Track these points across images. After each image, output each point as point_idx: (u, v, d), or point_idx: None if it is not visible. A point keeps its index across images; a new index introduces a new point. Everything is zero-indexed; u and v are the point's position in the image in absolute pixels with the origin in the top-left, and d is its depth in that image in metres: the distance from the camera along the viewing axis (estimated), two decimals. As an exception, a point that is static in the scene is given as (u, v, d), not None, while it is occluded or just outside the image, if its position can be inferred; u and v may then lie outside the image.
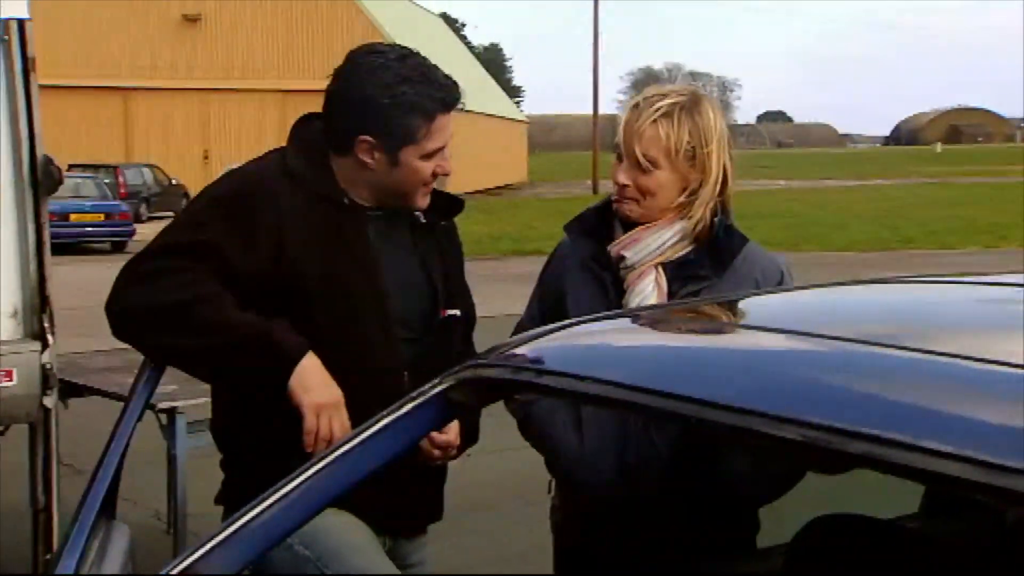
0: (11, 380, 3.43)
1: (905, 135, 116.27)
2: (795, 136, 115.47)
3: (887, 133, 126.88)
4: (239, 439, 2.12)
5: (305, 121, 2.18)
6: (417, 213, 2.18)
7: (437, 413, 1.46)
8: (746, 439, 1.11)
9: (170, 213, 28.42)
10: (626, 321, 1.65)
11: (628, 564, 2.02)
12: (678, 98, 2.06)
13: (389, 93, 2.02)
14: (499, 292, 8.86)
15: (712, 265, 2.07)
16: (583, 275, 2.12)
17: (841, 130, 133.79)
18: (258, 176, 2.08)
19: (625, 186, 2.08)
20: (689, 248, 2.09)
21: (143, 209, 26.33)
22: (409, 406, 1.44)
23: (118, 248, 20.67)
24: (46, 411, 3.50)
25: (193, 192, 26.06)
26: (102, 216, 20.60)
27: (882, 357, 1.16)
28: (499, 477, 5.33)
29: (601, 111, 44.65)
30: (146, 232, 22.65)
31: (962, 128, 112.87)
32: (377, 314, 2.07)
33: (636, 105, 2.09)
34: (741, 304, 1.66)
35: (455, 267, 2.24)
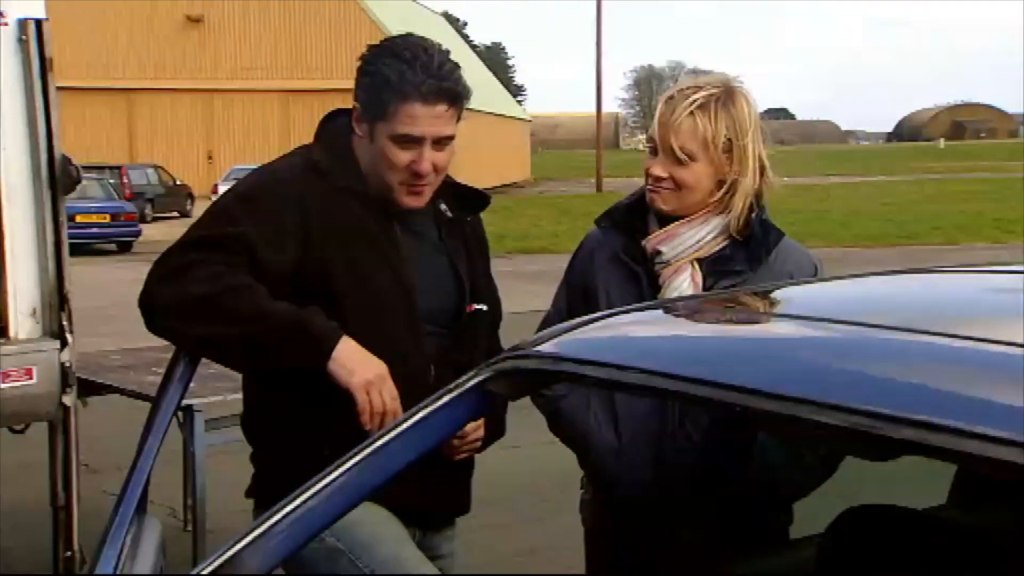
0: (31, 378, 3.44)
1: (908, 131, 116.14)
2: (798, 133, 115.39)
3: (890, 130, 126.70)
4: (269, 433, 2.13)
5: (332, 117, 2.19)
6: (443, 208, 2.18)
7: (475, 404, 1.46)
8: (793, 427, 1.12)
9: (175, 214, 28.50)
10: (663, 312, 1.65)
11: (662, 558, 2.03)
12: (713, 90, 2.06)
13: (375, 63, 2.05)
14: (505, 290, 8.83)
15: (747, 260, 2.07)
16: (615, 269, 2.12)
17: (844, 127, 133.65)
18: (284, 172, 2.09)
19: (661, 178, 2.08)
20: (725, 243, 2.09)
21: (148, 210, 26.33)
22: (447, 397, 1.45)
23: (124, 249, 20.69)
24: (65, 409, 3.51)
25: (198, 193, 25.88)
26: (108, 217, 20.59)
27: (928, 344, 1.17)
28: (513, 473, 5.33)
29: (603, 109, 44.65)
30: (152, 233, 22.66)
31: (965, 124, 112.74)
32: (404, 308, 2.07)
33: (671, 98, 2.09)
34: (777, 294, 1.66)
35: (481, 262, 2.24)
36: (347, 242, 2.04)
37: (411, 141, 2.04)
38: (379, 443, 1.43)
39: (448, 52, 2.09)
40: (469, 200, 2.23)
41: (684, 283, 2.06)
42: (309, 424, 2.03)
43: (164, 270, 1.99)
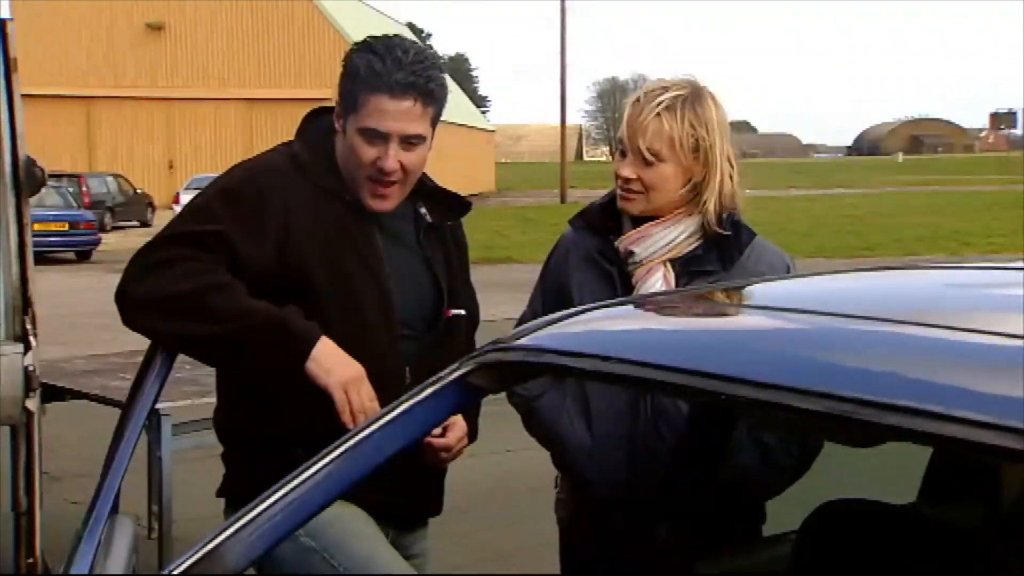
0: (-7, 382, 3.38)
1: (867, 145, 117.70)
2: (759, 146, 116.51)
3: (849, 143, 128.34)
4: (242, 430, 2.11)
5: (315, 115, 2.17)
6: (423, 212, 2.17)
7: (457, 398, 1.46)
8: (779, 414, 1.13)
9: (135, 223, 28.20)
10: (646, 305, 1.66)
11: (637, 556, 2.03)
12: (679, 91, 2.08)
13: (353, 57, 2.04)
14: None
15: (720, 260, 2.09)
16: (589, 269, 2.13)
17: (804, 140, 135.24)
18: (267, 168, 2.07)
19: (630, 180, 2.09)
20: (697, 243, 2.10)
21: (108, 218, 26.05)
22: (429, 390, 1.44)
23: (83, 258, 20.43)
24: (28, 414, 3.45)
25: (159, 201, 25.45)
26: (66, 225, 20.32)
27: (910, 334, 1.19)
28: (478, 480, 5.33)
29: (567, 122, 44.79)
30: (111, 242, 22.40)
31: (923, 138, 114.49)
32: (381, 311, 2.06)
33: (637, 100, 2.10)
34: (756, 288, 1.68)
35: (461, 267, 2.23)
36: (327, 242, 2.02)
37: (378, 136, 2.02)
38: (361, 436, 1.42)
39: (433, 54, 2.08)
40: (450, 205, 2.21)
41: (657, 283, 2.07)
42: (282, 423, 2.01)
43: (142, 266, 1.97)
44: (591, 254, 2.13)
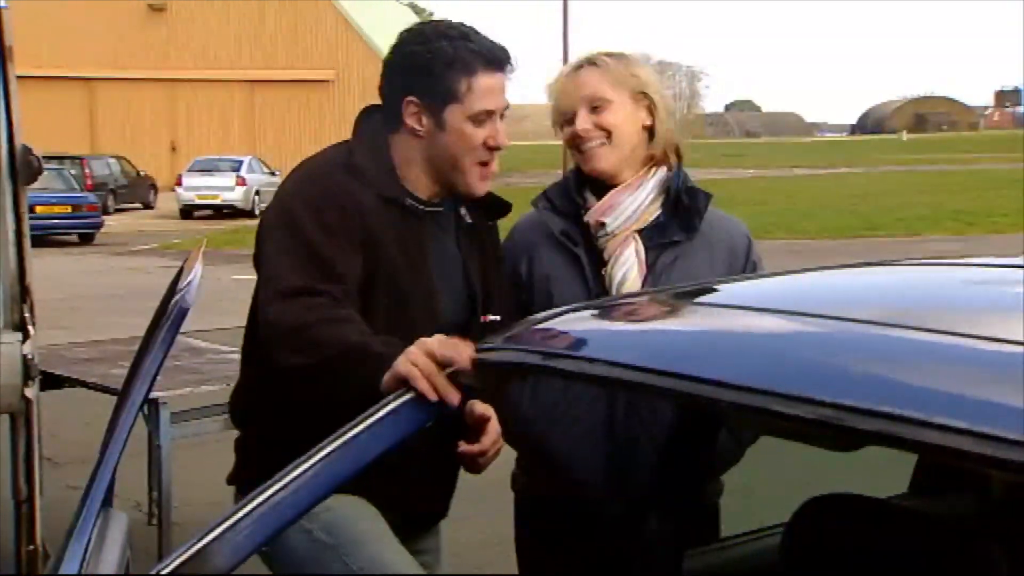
0: (-8, 371, 3.40)
1: (871, 123, 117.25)
2: (763, 125, 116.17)
3: (854, 121, 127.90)
4: (266, 419, 2.05)
5: (367, 113, 2.10)
6: (463, 212, 2.10)
7: (444, 397, 1.47)
8: (760, 418, 1.13)
9: (138, 205, 28.18)
10: (635, 305, 1.66)
11: (585, 538, 2.07)
12: (603, 51, 2.17)
13: (428, 48, 1.99)
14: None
15: (683, 229, 2.11)
16: (554, 252, 2.14)
17: (808, 119, 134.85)
18: (331, 177, 2.00)
19: (588, 130, 2.12)
20: (659, 212, 2.12)
21: (110, 201, 26.04)
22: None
23: (86, 240, 20.44)
24: (27, 402, 3.47)
25: (161, 183, 25.10)
26: (69, 208, 20.32)
27: (892, 338, 1.19)
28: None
29: (571, 100, 44.62)
30: (114, 224, 22.39)
31: (927, 116, 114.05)
32: (429, 321, 1.97)
33: (562, 72, 2.19)
34: (748, 286, 1.68)
35: (497, 271, 2.16)
36: (390, 254, 1.98)
37: (487, 115, 2.01)
38: (349, 435, 1.43)
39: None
40: (490, 206, 2.13)
41: (631, 257, 2.09)
42: (313, 413, 1.85)
43: (277, 298, 1.88)
44: (554, 236, 2.13)
